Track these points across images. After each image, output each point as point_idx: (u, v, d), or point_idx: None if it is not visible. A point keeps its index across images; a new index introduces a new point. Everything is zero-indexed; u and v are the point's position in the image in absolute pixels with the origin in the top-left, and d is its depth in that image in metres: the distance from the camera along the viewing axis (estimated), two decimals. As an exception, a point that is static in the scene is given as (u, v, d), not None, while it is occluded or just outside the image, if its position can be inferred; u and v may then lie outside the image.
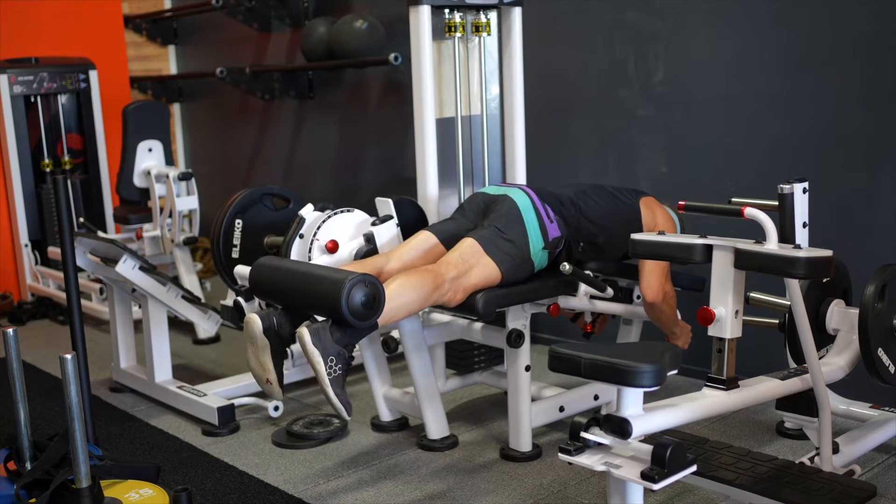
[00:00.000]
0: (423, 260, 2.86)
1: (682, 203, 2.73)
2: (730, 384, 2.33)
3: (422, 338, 3.08)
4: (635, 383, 1.91)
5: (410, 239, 2.95)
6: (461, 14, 3.38)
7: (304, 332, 2.43)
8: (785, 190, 2.79)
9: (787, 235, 2.77)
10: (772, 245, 2.25)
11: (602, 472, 1.94)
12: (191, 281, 4.58)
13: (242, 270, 3.14)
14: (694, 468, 1.93)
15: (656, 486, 1.85)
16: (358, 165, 5.24)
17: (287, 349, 3.56)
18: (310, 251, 3.05)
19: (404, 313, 2.63)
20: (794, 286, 2.36)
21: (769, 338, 3.04)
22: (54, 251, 5.18)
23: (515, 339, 2.89)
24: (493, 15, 3.47)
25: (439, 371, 3.36)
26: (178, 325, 4.42)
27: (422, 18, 3.22)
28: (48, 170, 5.32)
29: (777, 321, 2.90)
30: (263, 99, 5.69)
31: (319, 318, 2.49)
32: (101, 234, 4.79)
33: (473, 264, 2.75)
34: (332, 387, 2.44)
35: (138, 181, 4.79)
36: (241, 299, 3.07)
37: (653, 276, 2.95)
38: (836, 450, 2.56)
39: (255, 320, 2.53)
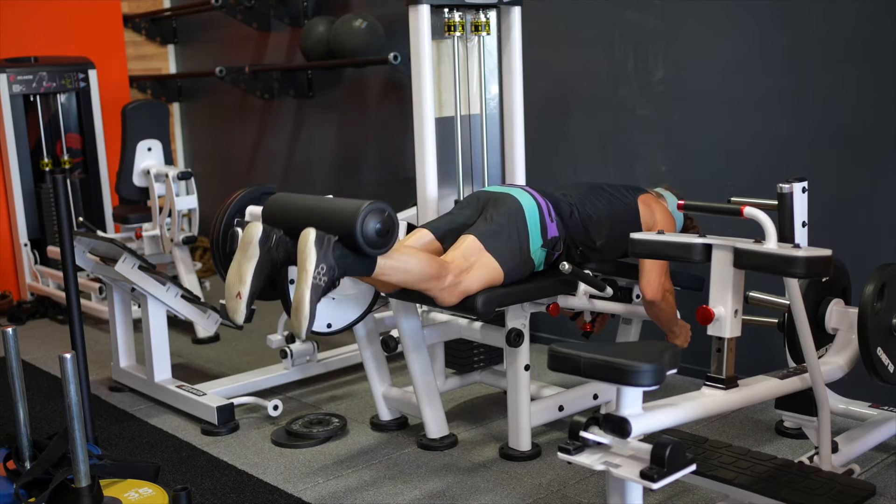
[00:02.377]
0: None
1: (682, 202, 2.73)
2: (729, 383, 2.33)
3: (421, 337, 3.08)
4: (635, 382, 1.91)
5: (407, 237, 2.95)
6: (460, 13, 3.38)
7: (310, 231, 2.39)
8: (784, 189, 2.79)
9: (786, 235, 2.77)
10: (771, 244, 2.25)
11: (601, 471, 1.94)
12: (190, 280, 4.58)
13: (254, 209, 3.06)
14: (693, 467, 1.93)
15: (655, 486, 1.85)
16: (357, 165, 5.25)
17: (287, 349, 3.58)
18: None
19: (400, 276, 2.60)
20: (793, 285, 2.36)
21: (768, 337, 3.04)
22: (53, 250, 5.18)
23: (515, 338, 2.89)
24: (492, 14, 3.47)
25: (438, 370, 3.36)
26: (178, 325, 4.42)
27: (421, 17, 3.22)
28: (47, 169, 5.32)
29: (776, 320, 2.90)
30: (263, 98, 5.69)
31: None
32: (100, 233, 4.79)
33: (474, 262, 2.74)
34: (310, 291, 2.38)
35: (137, 180, 4.79)
36: (239, 229, 2.97)
37: (652, 274, 2.94)
38: (835, 449, 2.56)
39: (255, 228, 2.48)
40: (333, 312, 2.92)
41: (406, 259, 2.60)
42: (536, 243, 2.86)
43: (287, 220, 2.55)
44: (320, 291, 2.41)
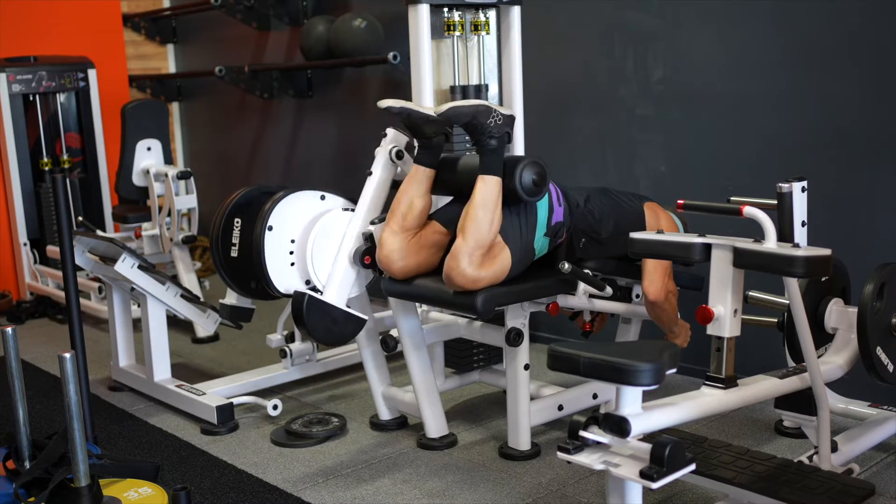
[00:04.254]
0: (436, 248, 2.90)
1: (681, 202, 2.73)
2: (728, 383, 2.33)
3: (421, 336, 3.08)
4: (634, 382, 1.91)
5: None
6: (460, 13, 3.38)
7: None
8: (784, 189, 2.79)
9: (785, 234, 2.77)
10: (770, 244, 2.25)
11: (601, 470, 1.94)
12: (190, 280, 4.58)
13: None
14: (692, 467, 1.93)
15: (655, 485, 1.85)
16: (357, 164, 5.23)
17: (287, 348, 3.58)
18: None
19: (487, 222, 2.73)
20: (792, 285, 2.36)
21: (768, 337, 3.04)
22: (53, 250, 5.18)
23: (514, 337, 2.89)
24: (492, 13, 3.47)
25: (438, 370, 3.36)
26: (177, 324, 4.42)
27: (420, 17, 3.22)
28: (47, 168, 5.32)
29: (776, 320, 2.91)
30: (262, 98, 5.69)
31: None
32: (99, 232, 4.79)
33: (497, 254, 2.75)
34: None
35: (137, 180, 4.80)
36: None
37: (656, 274, 2.94)
38: (834, 448, 2.57)
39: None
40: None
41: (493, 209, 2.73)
42: (541, 230, 2.85)
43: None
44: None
